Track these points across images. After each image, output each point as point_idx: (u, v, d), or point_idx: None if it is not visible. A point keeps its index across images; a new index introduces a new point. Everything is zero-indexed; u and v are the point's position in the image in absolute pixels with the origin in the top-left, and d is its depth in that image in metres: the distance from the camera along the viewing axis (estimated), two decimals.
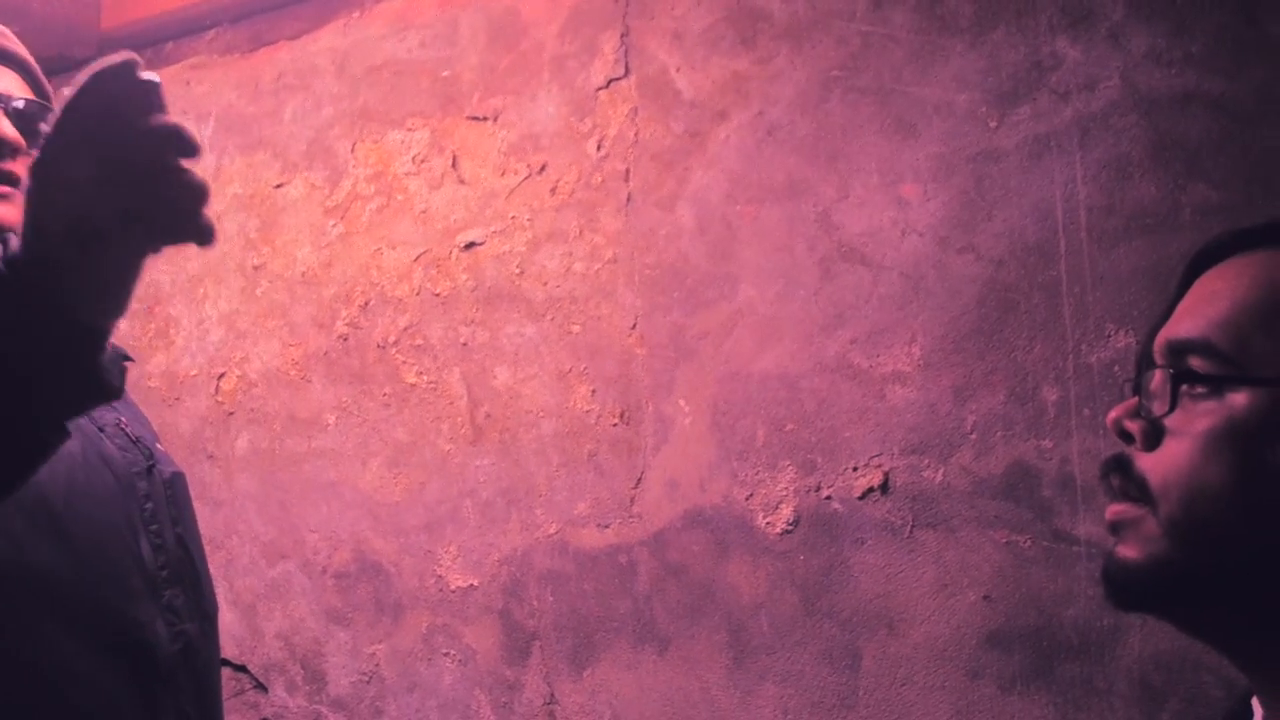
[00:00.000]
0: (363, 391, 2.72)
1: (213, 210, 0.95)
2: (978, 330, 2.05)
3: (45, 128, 1.38)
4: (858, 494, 2.15)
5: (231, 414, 2.92)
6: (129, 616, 1.38)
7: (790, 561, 2.21)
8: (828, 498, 2.18)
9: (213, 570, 2.94)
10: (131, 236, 0.92)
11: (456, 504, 2.58)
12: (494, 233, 2.56)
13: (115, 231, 0.91)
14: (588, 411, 2.43)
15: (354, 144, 2.76)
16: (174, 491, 1.54)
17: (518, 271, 2.53)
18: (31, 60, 1.49)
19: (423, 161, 2.66)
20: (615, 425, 2.40)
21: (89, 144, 0.90)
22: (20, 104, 1.42)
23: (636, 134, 2.42)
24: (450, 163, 2.63)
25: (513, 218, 2.54)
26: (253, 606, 2.87)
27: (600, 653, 2.40)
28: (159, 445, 1.61)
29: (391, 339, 2.68)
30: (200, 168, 0.93)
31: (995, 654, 2.03)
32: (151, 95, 0.91)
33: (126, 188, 0.90)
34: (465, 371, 2.58)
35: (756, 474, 2.25)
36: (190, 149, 0.91)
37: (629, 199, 2.41)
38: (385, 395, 2.69)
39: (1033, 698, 2.00)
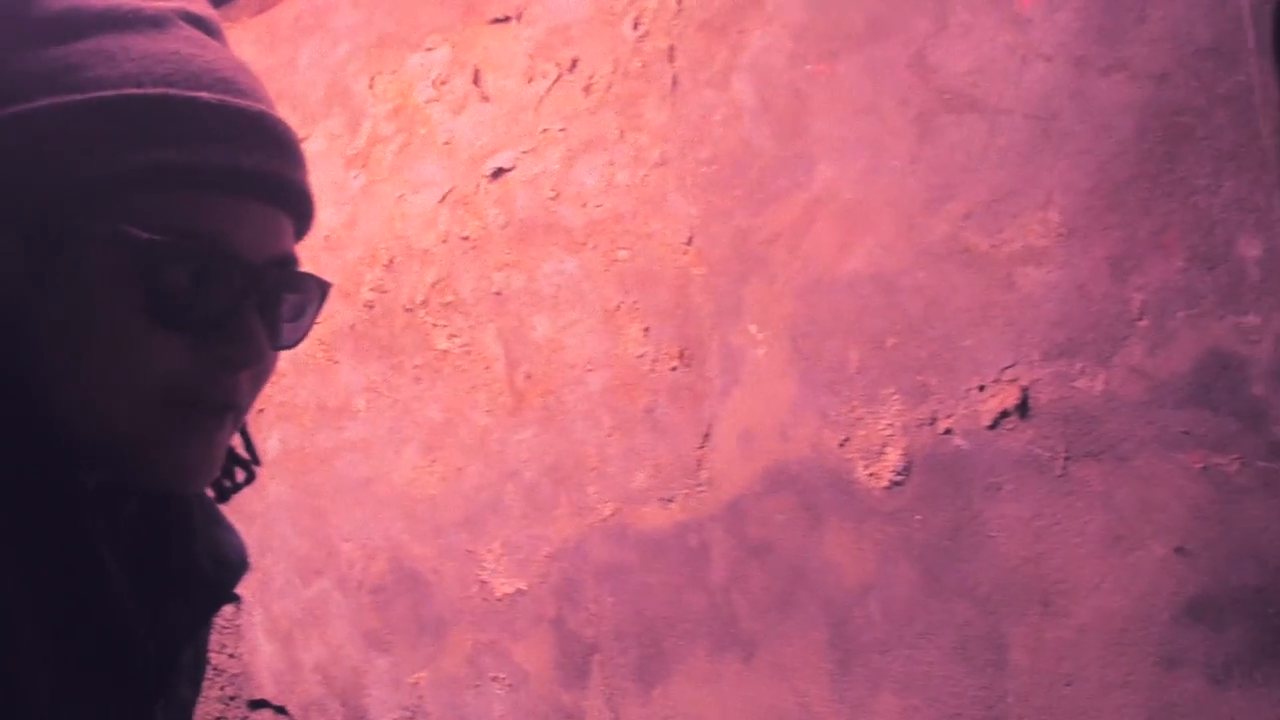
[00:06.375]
0: (392, 367, 2.26)
1: None
2: (1138, 175, 1.46)
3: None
4: (987, 422, 1.57)
5: (261, 410, 2.50)
6: None
7: (904, 524, 1.63)
8: (947, 431, 1.60)
9: (248, 596, 2.52)
10: None
11: (498, 490, 2.08)
12: (524, 153, 2.08)
13: None
14: (641, 356, 1.91)
15: (372, 79, 2.33)
16: None
17: (552, 195, 2.03)
18: (311, 189, 0.85)
19: (443, 83, 2.20)
20: (674, 369, 1.87)
21: None
22: (295, 274, 0.85)
23: (680, 1, 1.91)
24: (472, 78, 2.16)
25: (544, 131, 2.05)
26: (290, 635, 2.41)
27: (672, 664, 1.85)
28: None
29: (419, 299, 2.21)
30: None
31: (1199, 631, 1.41)
32: None
33: None
34: (501, 327, 2.09)
35: (852, 410, 1.68)
36: None
37: (674, 82, 1.90)
38: (416, 368, 2.22)
39: (1259, 690, 1.37)
